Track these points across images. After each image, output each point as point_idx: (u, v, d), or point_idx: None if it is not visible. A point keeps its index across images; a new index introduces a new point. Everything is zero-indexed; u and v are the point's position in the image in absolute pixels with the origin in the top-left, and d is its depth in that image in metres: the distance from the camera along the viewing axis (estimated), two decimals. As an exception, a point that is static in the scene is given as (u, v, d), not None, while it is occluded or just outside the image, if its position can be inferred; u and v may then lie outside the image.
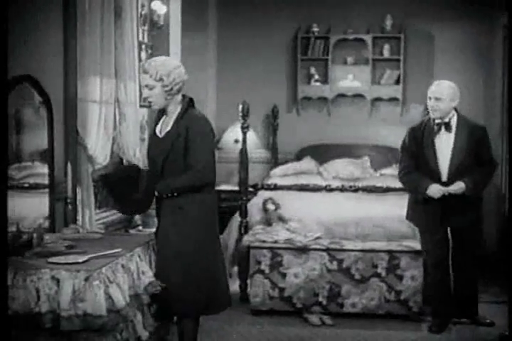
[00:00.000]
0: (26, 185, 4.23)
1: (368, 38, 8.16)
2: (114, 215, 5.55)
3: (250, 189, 6.09)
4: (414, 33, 8.19)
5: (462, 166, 4.86)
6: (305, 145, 8.31)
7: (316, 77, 8.31)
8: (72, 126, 4.75)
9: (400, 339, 4.97)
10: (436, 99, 4.87)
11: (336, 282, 5.35)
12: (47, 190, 4.35)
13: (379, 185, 6.24)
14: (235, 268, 5.89)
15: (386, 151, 7.97)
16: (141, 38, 5.97)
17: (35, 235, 3.72)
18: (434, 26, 8.14)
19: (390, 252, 5.33)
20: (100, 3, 4.93)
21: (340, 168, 7.71)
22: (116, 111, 5.37)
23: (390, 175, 7.14)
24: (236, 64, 8.39)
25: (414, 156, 4.99)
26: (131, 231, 5.57)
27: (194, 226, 3.80)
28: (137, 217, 5.71)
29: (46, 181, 4.35)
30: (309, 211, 6.13)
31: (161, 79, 3.78)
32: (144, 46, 6.06)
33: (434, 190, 4.84)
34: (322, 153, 8.06)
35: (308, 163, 7.96)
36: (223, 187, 7.86)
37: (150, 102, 3.88)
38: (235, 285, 5.68)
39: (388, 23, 8.16)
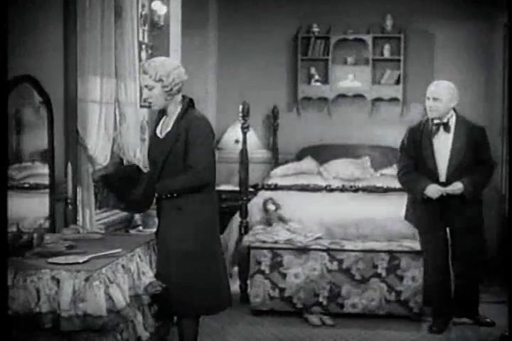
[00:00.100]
0: (26, 186, 4.22)
1: (368, 38, 8.16)
2: (114, 215, 5.55)
3: (250, 189, 6.09)
4: (415, 33, 8.18)
5: (460, 167, 4.86)
6: (305, 146, 8.30)
7: (317, 77, 8.31)
8: (72, 126, 4.75)
9: (400, 339, 4.98)
10: (435, 99, 4.87)
11: (336, 282, 5.35)
12: (47, 190, 4.35)
13: (379, 185, 6.23)
14: (235, 269, 5.89)
15: (386, 151, 7.97)
16: (141, 38, 5.97)
17: (35, 235, 3.72)
18: (434, 26, 8.13)
19: (390, 252, 5.33)
20: (100, 3, 4.93)
21: (341, 168, 7.71)
22: (117, 112, 5.37)
23: (390, 175, 7.12)
24: (236, 64, 8.39)
25: (413, 157, 4.98)
26: (132, 232, 5.57)
27: (194, 227, 3.80)
28: (137, 217, 5.71)
29: (46, 181, 4.35)
30: (310, 211, 6.13)
31: (160, 80, 3.78)
32: (144, 46, 6.05)
33: (433, 191, 4.84)
34: (322, 153, 8.06)
35: (308, 163, 7.95)
36: (223, 187, 7.86)
37: (150, 103, 3.89)
38: (235, 286, 5.68)
39: (388, 23, 8.16)
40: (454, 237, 5.04)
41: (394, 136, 7.22)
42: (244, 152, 5.89)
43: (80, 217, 4.85)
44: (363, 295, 5.33)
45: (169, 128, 3.85)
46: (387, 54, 8.21)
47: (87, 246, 3.83)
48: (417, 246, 5.23)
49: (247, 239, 5.62)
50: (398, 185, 5.39)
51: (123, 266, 3.58)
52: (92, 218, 4.96)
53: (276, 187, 6.27)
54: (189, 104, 3.89)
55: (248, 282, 5.62)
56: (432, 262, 5.04)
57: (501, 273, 6.04)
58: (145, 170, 4.01)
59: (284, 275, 5.39)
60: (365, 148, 8.15)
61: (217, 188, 4.90)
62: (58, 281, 3.30)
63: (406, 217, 5.15)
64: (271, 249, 5.43)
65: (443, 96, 4.85)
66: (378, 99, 8.30)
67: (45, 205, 4.34)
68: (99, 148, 4.92)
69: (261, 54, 8.36)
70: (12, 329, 3.12)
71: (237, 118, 5.93)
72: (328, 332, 5.10)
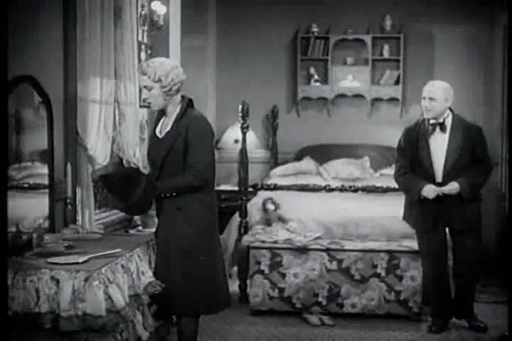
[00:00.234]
0: (26, 186, 4.23)
1: (368, 38, 8.17)
2: (113, 215, 5.55)
3: (250, 189, 6.09)
4: (414, 33, 8.19)
5: (457, 166, 4.85)
6: (305, 146, 8.31)
7: (316, 77, 8.31)
8: (72, 126, 4.75)
9: (399, 339, 4.98)
10: (430, 99, 4.87)
11: (335, 282, 5.35)
12: (47, 190, 4.35)
13: (379, 185, 6.24)
14: (235, 269, 5.89)
15: (386, 151, 7.97)
16: (140, 38, 5.97)
17: (35, 235, 3.72)
18: (434, 26, 8.14)
19: (389, 252, 5.34)
20: (100, 4, 4.93)
21: (340, 168, 7.72)
22: (116, 111, 5.37)
23: (389, 175, 7.07)
24: (236, 64, 8.40)
25: (410, 157, 4.98)
26: (131, 232, 5.57)
27: (194, 226, 3.80)
28: (137, 217, 5.71)
29: (46, 181, 4.35)
30: (309, 211, 6.13)
31: (159, 80, 3.79)
32: (143, 46, 6.05)
33: (429, 191, 4.84)
34: (322, 153, 8.06)
35: (307, 163, 7.96)
36: (223, 187, 7.87)
37: (149, 103, 3.90)
38: (234, 286, 5.68)
39: (388, 23, 8.17)
40: (452, 237, 5.04)
41: (393, 136, 7.15)
42: (243, 152, 5.89)
43: (79, 217, 4.86)
44: (363, 295, 5.33)
45: (168, 128, 3.86)
46: (386, 54, 8.21)
47: (87, 246, 3.83)
48: (416, 245, 5.22)
49: (246, 239, 5.62)
50: (397, 185, 5.39)
51: (122, 266, 3.58)
52: (92, 218, 4.96)
53: (275, 187, 6.27)
54: (188, 104, 3.89)
55: (247, 282, 5.62)
56: (430, 262, 5.04)
57: (499, 273, 6.05)
58: (145, 171, 4.02)
59: (283, 275, 5.40)
60: (364, 148, 8.16)
61: (217, 188, 4.92)
62: (58, 281, 3.31)
63: (404, 218, 5.15)
64: (270, 248, 5.43)
65: (438, 96, 4.86)
66: (378, 99, 8.31)
67: (45, 205, 4.34)
68: (98, 148, 4.92)
69: (260, 54, 8.37)
70: (12, 329, 3.12)
71: (237, 118, 5.93)
72: (328, 332, 5.11)
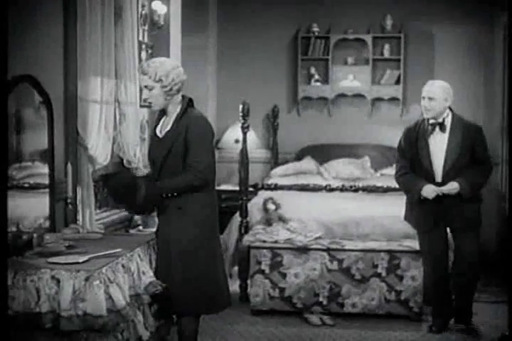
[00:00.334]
0: (26, 185, 4.23)
1: (368, 38, 8.17)
2: (114, 215, 5.54)
3: (250, 189, 6.10)
4: (414, 33, 8.19)
5: (456, 166, 4.84)
6: (305, 145, 8.31)
7: (317, 77, 8.31)
8: (72, 126, 4.75)
9: (400, 339, 4.98)
10: (430, 98, 4.87)
11: (336, 282, 5.35)
12: (47, 190, 4.35)
13: (379, 184, 6.24)
14: (235, 268, 5.89)
15: (386, 151, 7.97)
16: (141, 38, 5.96)
17: (35, 235, 3.72)
18: (434, 26, 8.14)
19: (390, 252, 5.34)
20: (100, 3, 4.93)
21: (341, 168, 7.72)
22: (117, 111, 5.37)
23: (390, 175, 7.09)
24: (236, 64, 8.40)
25: (410, 157, 4.97)
26: (132, 231, 5.57)
27: (194, 226, 3.80)
28: (137, 217, 5.70)
29: (46, 181, 4.35)
30: (309, 211, 6.13)
31: (160, 80, 3.79)
32: (144, 46, 6.05)
33: (428, 191, 4.83)
34: (322, 153, 8.06)
35: (308, 163, 7.96)
36: (223, 187, 7.87)
37: (150, 103, 3.90)
38: (235, 285, 5.68)
39: (388, 23, 8.17)
40: (453, 238, 5.03)
41: (394, 136, 7.15)
42: (244, 152, 5.89)
43: (79, 217, 4.85)
44: (363, 294, 5.33)
45: (168, 128, 3.86)
46: (387, 54, 8.21)
47: (87, 245, 3.83)
48: (417, 245, 5.22)
49: (247, 239, 5.62)
50: (397, 185, 5.39)
51: (123, 266, 3.58)
52: (92, 218, 4.96)
53: (276, 187, 6.28)
54: (188, 103, 3.90)
55: (248, 282, 5.62)
56: (431, 262, 5.03)
57: (499, 273, 6.05)
58: (145, 171, 4.02)
59: (284, 275, 5.40)
60: (365, 148, 8.16)
61: (217, 188, 4.91)
62: (58, 281, 3.31)
63: (405, 218, 5.14)
64: (271, 248, 5.43)
65: (438, 95, 4.85)
66: (378, 99, 8.31)
67: (45, 205, 4.34)
68: (99, 147, 4.91)
69: (261, 54, 8.37)
70: (12, 329, 3.12)
71: (237, 118, 5.93)
72: (328, 332, 5.10)
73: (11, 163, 4.00)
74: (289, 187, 6.27)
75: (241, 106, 5.81)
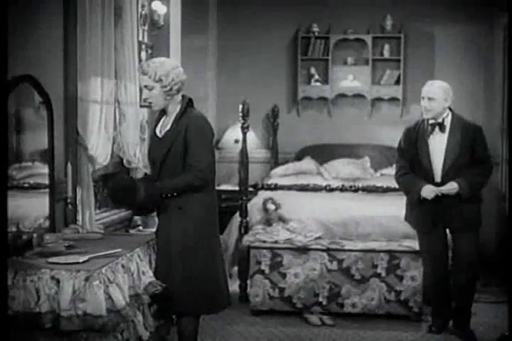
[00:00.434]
0: (26, 185, 4.23)
1: (368, 38, 8.17)
2: (114, 215, 5.55)
3: (250, 189, 6.09)
4: (414, 33, 8.19)
5: (456, 166, 4.83)
6: (305, 146, 8.31)
7: (316, 77, 8.31)
8: (72, 126, 4.75)
9: (399, 339, 4.98)
10: (429, 99, 4.86)
11: (336, 282, 5.35)
12: (47, 190, 4.35)
13: (379, 185, 6.23)
14: (235, 268, 5.89)
15: (386, 151, 7.97)
16: (141, 38, 5.97)
17: (35, 235, 3.72)
18: (434, 26, 8.14)
19: (390, 252, 5.34)
20: (100, 3, 4.93)
21: (341, 168, 7.71)
22: (117, 111, 5.37)
23: (390, 175, 7.08)
24: (236, 64, 8.40)
25: (409, 157, 4.97)
26: (131, 231, 5.57)
27: (194, 226, 3.80)
28: (137, 217, 5.71)
29: (46, 181, 4.35)
30: (309, 211, 6.13)
31: (159, 80, 3.79)
32: (144, 46, 6.05)
33: (427, 191, 4.82)
34: (322, 153, 8.06)
35: (308, 163, 7.96)
36: (223, 187, 7.87)
37: (150, 103, 3.90)
38: (235, 285, 5.69)
39: (388, 23, 8.17)
40: (453, 238, 5.02)
41: (394, 136, 7.15)
42: (244, 152, 5.89)
43: (79, 217, 4.86)
44: (363, 294, 5.33)
45: (168, 128, 3.87)
46: (386, 54, 8.21)
47: (87, 245, 3.83)
48: (416, 245, 5.22)
49: (247, 239, 5.62)
50: (397, 185, 5.39)
51: (123, 266, 3.58)
52: (92, 218, 4.97)
53: (276, 187, 6.27)
54: (188, 103, 3.90)
55: (248, 282, 5.62)
56: (431, 263, 5.03)
57: (499, 273, 6.05)
58: (145, 170, 4.03)
59: (283, 275, 5.40)
60: (364, 148, 8.16)
61: (217, 188, 4.91)
62: (58, 281, 3.31)
63: (406, 218, 5.14)
64: (271, 248, 5.43)
65: (437, 95, 4.84)
66: (378, 99, 8.31)
67: (45, 205, 4.34)
68: (99, 147, 4.92)
69: (261, 54, 8.37)
70: (12, 329, 3.12)
71: (237, 118, 5.93)
72: (328, 332, 5.11)
73: (11, 163, 4.01)
74: (289, 187, 6.27)
75: (241, 106, 5.81)
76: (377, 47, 8.22)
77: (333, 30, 8.23)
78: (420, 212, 4.94)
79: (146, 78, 3.81)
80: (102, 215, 5.39)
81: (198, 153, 3.77)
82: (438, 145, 4.87)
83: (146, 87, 3.83)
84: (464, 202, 4.81)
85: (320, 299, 5.37)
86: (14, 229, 3.69)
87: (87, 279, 3.30)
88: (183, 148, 3.78)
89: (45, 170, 4.35)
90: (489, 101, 7.91)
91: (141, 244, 3.95)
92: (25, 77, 4.02)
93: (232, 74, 8.38)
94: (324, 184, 6.36)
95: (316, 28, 8.24)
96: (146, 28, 6.16)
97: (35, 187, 4.32)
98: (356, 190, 6.20)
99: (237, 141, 7.72)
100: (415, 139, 4.93)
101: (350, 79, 8.27)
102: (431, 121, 4.91)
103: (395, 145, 5.21)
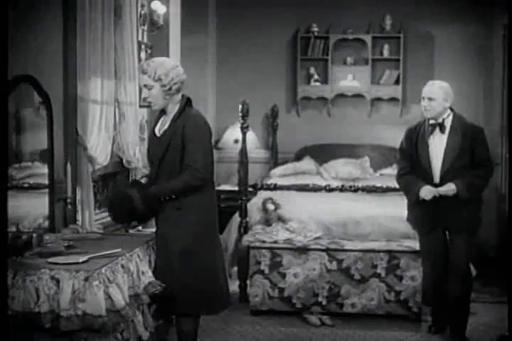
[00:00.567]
0: (26, 185, 4.23)
1: (368, 38, 8.17)
2: (113, 215, 5.54)
3: (250, 189, 6.09)
4: (414, 33, 8.19)
5: (455, 167, 4.81)
6: (305, 145, 8.31)
7: (316, 77, 8.31)
8: (72, 126, 4.75)
9: (399, 339, 4.98)
10: (430, 99, 4.85)
11: (335, 282, 5.35)
12: (47, 190, 4.35)
13: (379, 185, 6.24)
14: (235, 268, 5.89)
15: (386, 151, 7.97)
16: (140, 38, 5.97)
17: (35, 235, 3.72)
18: (434, 26, 8.14)
19: (389, 252, 5.34)
20: (100, 3, 4.93)
21: (340, 168, 7.71)
22: (116, 111, 5.37)
23: (389, 175, 7.11)
24: (236, 64, 8.40)
25: (410, 158, 4.97)
26: (131, 231, 5.56)
27: (194, 226, 3.80)
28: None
29: (46, 181, 4.35)
30: (309, 211, 6.12)
31: (159, 79, 3.79)
32: (143, 46, 6.05)
33: (426, 192, 4.81)
34: (322, 153, 8.06)
35: (307, 163, 7.96)
36: (223, 187, 7.87)
37: (150, 102, 3.90)
38: (234, 286, 5.68)
39: (388, 23, 8.17)
40: (451, 239, 5.01)
41: (393, 136, 7.20)
42: (243, 152, 5.89)
43: (79, 217, 4.86)
44: (363, 295, 5.33)
45: (166, 127, 3.87)
46: (386, 54, 8.21)
47: (87, 246, 3.83)
48: (416, 245, 5.22)
49: (246, 239, 5.62)
50: (397, 185, 5.39)
51: (122, 266, 3.58)
52: (92, 218, 4.97)
53: (275, 187, 6.27)
54: (187, 103, 3.89)
55: (247, 282, 5.62)
56: (430, 263, 5.02)
57: (499, 273, 6.05)
58: (144, 171, 4.02)
59: (283, 275, 5.40)
60: (364, 148, 8.16)
61: (217, 188, 4.90)
62: (58, 281, 3.31)
63: (407, 219, 5.14)
64: (270, 248, 5.43)
65: (438, 96, 4.83)
66: (378, 99, 8.31)
67: (45, 205, 4.34)
68: (99, 147, 4.92)
69: (260, 54, 8.37)
70: (12, 329, 3.12)
71: (237, 118, 5.92)
72: (328, 332, 5.11)
73: (11, 163, 4.00)
74: (289, 187, 6.27)
75: (240, 106, 5.81)
76: (377, 47, 8.22)
77: (332, 30, 8.23)
78: (420, 212, 4.93)
79: (146, 77, 3.81)
80: (101, 215, 5.38)
81: (195, 152, 3.76)
82: (437, 146, 4.86)
83: (145, 86, 3.83)
84: (462, 203, 4.79)
85: (319, 299, 5.37)
86: (14, 229, 3.70)
87: (86, 279, 3.30)
88: (180, 148, 3.78)
89: (45, 170, 4.34)
90: (489, 101, 7.91)
91: (140, 244, 3.95)
92: (25, 76, 4.02)
93: (232, 74, 8.38)
94: (324, 184, 6.36)
95: (315, 28, 8.24)
96: (145, 28, 6.16)
97: (35, 187, 4.32)
98: (356, 190, 6.20)
99: (236, 141, 7.72)
100: (416, 139, 4.93)
101: (349, 79, 8.27)
102: (431, 122, 4.90)
103: (395, 145, 5.21)
